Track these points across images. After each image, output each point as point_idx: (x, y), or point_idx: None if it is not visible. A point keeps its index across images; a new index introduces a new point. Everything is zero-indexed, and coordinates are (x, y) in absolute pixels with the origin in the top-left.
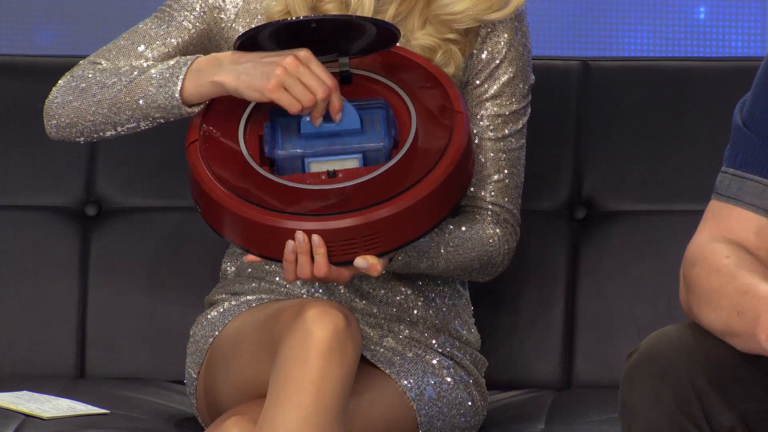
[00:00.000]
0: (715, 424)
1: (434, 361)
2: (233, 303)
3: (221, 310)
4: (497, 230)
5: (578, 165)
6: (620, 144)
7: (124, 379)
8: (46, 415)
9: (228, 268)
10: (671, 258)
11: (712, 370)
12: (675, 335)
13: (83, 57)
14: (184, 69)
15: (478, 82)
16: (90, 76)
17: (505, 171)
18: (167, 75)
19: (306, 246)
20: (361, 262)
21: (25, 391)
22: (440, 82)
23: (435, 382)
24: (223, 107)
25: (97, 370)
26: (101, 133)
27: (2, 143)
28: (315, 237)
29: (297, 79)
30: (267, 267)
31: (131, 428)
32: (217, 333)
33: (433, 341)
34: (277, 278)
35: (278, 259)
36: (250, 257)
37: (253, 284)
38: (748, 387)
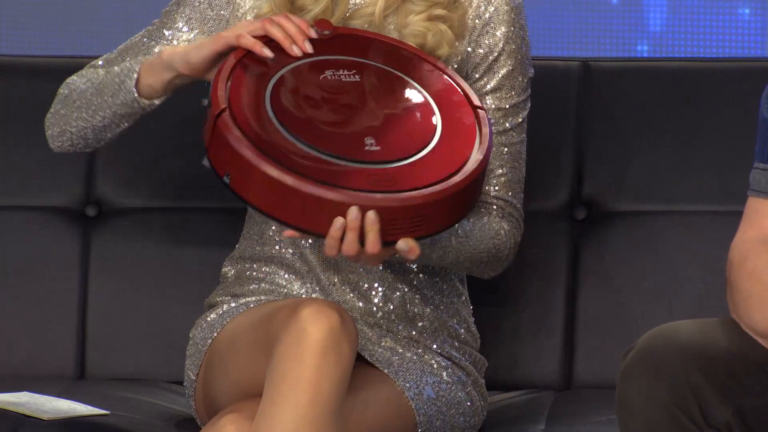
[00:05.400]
0: (711, 420)
1: (433, 362)
2: (232, 305)
3: (220, 312)
4: (504, 224)
5: (578, 165)
6: (620, 144)
7: (124, 380)
8: (46, 416)
9: (228, 272)
10: (672, 258)
11: (707, 365)
12: (670, 332)
13: (83, 57)
14: (139, 65)
15: (477, 75)
16: (74, 83)
17: (508, 165)
18: (127, 67)
19: (358, 222)
20: (402, 244)
21: (25, 392)
22: (451, 77)
23: (434, 382)
24: (245, 79)
25: (97, 371)
26: (87, 140)
27: (2, 144)
28: (371, 213)
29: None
30: (266, 268)
31: (131, 429)
32: (215, 335)
33: (432, 342)
34: (277, 278)
35: (319, 233)
36: (290, 232)
37: (253, 286)
38: (743, 382)
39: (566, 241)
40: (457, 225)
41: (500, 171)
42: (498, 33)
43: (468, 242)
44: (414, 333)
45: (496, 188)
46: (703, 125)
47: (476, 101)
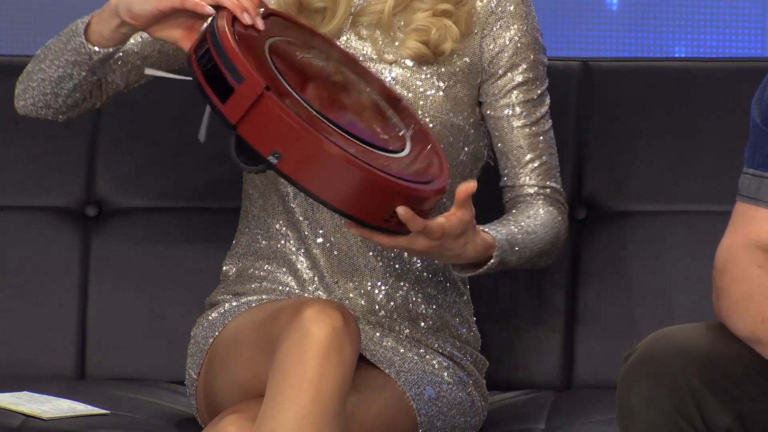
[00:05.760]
0: (712, 425)
1: (434, 362)
2: (234, 304)
3: (222, 311)
4: (554, 210)
5: (578, 165)
6: (620, 144)
7: (125, 379)
8: (46, 415)
9: (229, 270)
10: (672, 258)
11: (707, 371)
12: (670, 337)
13: None
14: (96, 12)
15: (500, 72)
16: (46, 42)
17: (546, 153)
18: (84, 18)
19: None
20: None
21: (25, 392)
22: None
23: (435, 382)
24: (251, 58)
25: (97, 371)
26: (45, 96)
27: (2, 144)
28: (401, 209)
29: None
30: (268, 266)
31: (131, 429)
32: (216, 334)
33: (434, 341)
34: (279, 276)
35: (362, 220)
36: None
37: (254, 284)
38: (743, 387)
39: (566, 241)
40: (522, 224)
41: (540, 161)
42: (513, 28)
43: (537, 237)
44: (416, 332)
45: (540, 177)
46: (703, 125)
47: (396, 93)
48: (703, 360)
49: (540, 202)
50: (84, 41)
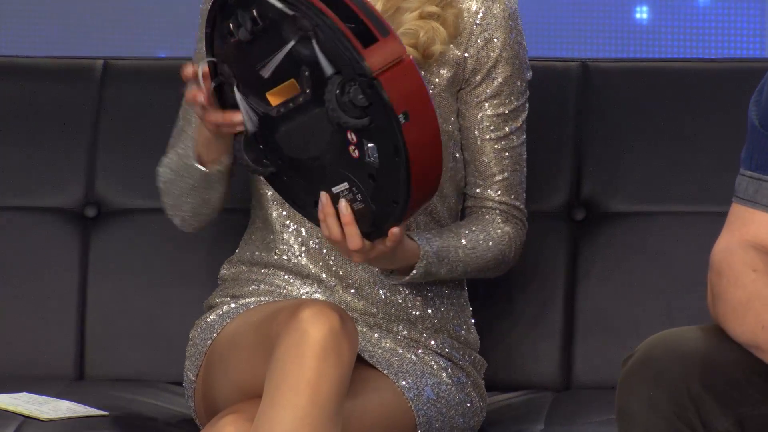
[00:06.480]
0: (712, 429)
1: (433, 362)
2: (232, 306)
3: (220, 313)
4: (507, 228)
5: (577, 166)
6: (620, 145)
7: (124, 380)
8: (45, 416)
9: (226, 273)
10: (671, 259)
11: (708, 375)
12: (670, 340)
13: (83, 57)
14: (191, 145)
15: (476, 82)
16: (162, 175)
17: (509, 169)
18: (180, 154)
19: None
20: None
21: (24, 393)
22: None
23: (433, 383)
24: None
25: (96, 372)
26: (204, 215)
27: (2, 144)
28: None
29: None
30: (265, 270)
31: (130, 430)
32: (215, 335)
33: (432, 342)
34: (276, 279)
35: (406, 200)
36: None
37: (252, 287)
38: (743, 391)
39: (565, 242)
40: (463, 239)
41: (502, 176)
42: (495, 40)
43: (475, 253)
44: (414, 333)
45: (498, 193)
46: (702, 126)
47: None
48: (704, 364)
49: (494, 216)
50: (198, 167)
